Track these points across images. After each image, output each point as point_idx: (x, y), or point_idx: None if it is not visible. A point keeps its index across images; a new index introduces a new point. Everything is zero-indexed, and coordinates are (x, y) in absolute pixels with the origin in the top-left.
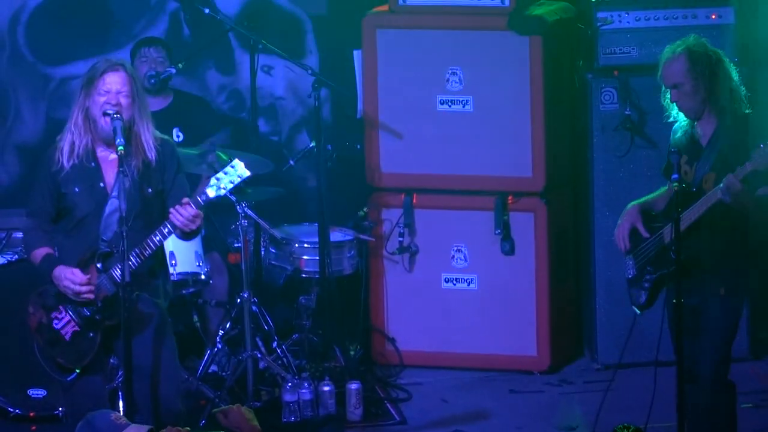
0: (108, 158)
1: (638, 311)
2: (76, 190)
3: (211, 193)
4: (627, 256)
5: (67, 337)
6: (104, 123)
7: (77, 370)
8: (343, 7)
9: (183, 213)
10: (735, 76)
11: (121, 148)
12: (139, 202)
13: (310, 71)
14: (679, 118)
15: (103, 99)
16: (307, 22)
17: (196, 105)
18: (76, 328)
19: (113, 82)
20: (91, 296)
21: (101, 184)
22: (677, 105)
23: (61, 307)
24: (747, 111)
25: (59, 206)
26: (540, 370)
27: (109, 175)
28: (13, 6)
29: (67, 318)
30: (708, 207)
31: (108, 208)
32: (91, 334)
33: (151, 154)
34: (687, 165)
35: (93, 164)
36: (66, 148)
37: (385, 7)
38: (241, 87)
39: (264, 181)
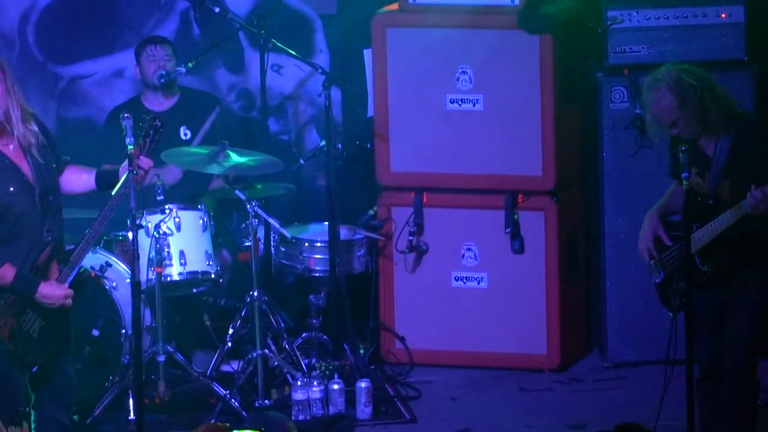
0: (11, 149)
1: (671, 314)
2: (12, 189)
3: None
4: (651, 262)
5: (35, 335)
6: None
7: (39, 363)
8: (353, 6)
9: (145, 162)
10: (719, 89)
11: (131, 147)
12: (52, 181)
13: (320, 70)
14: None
15: None
16: (317, 21)
17: (204, 102)
18: (42, 322)
19: None
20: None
21: (25, 177)
22: (680, 135)
23: (28, 309)
24: (740, 111)
25: None
26: (550, 368)
27: (24, 165)
28: (22, 5)
29: (34, 317)
30: (732, 222)
31: (37, 200)
32: (58, 327)
33: (37, 130)
34: (698, 177)
35: (7, 161)
36: None
37: (395, 6)
38: (251, 86)
39: (274, 179)
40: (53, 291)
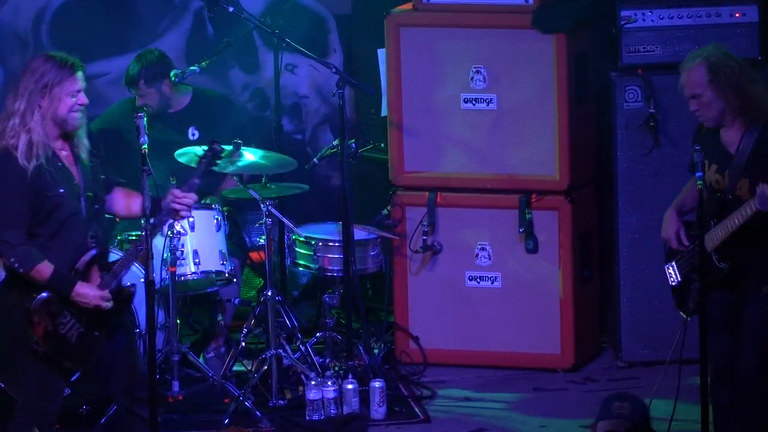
0: (64, 155)
1: (686, 316)
2: (61, 191)
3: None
4: (668, 264)
5: (73, 340)
6: (72, 120)
7: (80, 371)
8: (367, 6)
9: (186, 201)
10: (756, 87)
11: (145, 146)
12: (99, 189)
13: (334, 70)
14: None
15: (73, 100)
16: (332, 20)
17: (216, 102)
18: (81, 329)
19: (79, 81)
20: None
21: (75, 182)
22: (696, 114)
23: (65, 312)
24: None
25: (38, 210)
26: (564, 368)
27: (74, 170)
28: (36, 5)
29: (72, 321)
30: (746, 219)
31: (83, 205)
32: (97, 333)
33: (89, 145)
34: (718, 174)
35: (60, 164)
36: (22, 148)
37: (409, 6)
38: (264, 86)
39: (288, 179)
40: (89, 290)
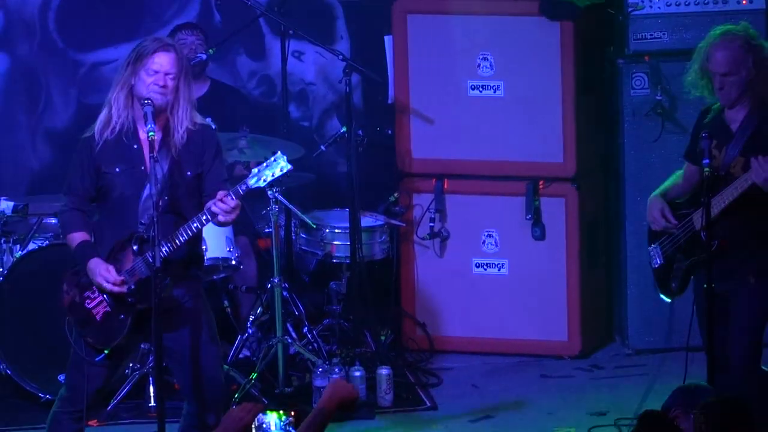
0: (146, 137)
1: (667, 299)
2: (117, 170)
3: (251, 183)
4: (651, 246)
5: (98, 318)
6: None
7: (106, 351)
8: None
9: (222, 205)
10: None
11: (152, 134)
12: (181, 186)
13: (341, 57)
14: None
15: (151, 79)
16: (338, 7)
17: (230, 96)
18: (108, 309)
19: (162, 62)
20: (125, 290)
21: (142, 167)
22: (719, 92)
23: (95, 287)
24: None
25: (98, 185)
26: (571, 355)
27: (148, 156)
28: None
29: (100, 298)
30: (741, 192)
31: (146, 191)
32: (122, 316)
33: (192, 137)
34: (716, 149)
35: (136, 146)
36: (101, 122)
37: None
38: (271, 72)
39: (295, 166)
40: (97, 268)
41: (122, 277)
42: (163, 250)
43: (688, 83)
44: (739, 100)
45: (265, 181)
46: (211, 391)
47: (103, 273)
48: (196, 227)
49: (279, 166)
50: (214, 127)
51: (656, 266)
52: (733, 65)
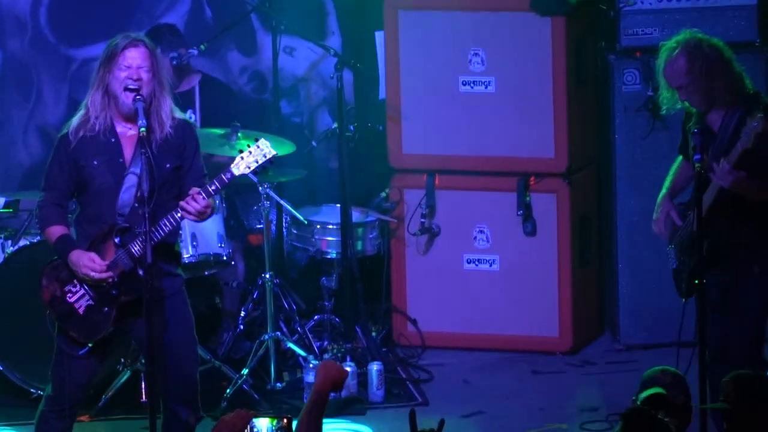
0: (127, 134)
1: (683, 299)
2: (95, 163)
3: (235, 171)
4: (669, 247)
5: (81, 311)
6: (125, 98)
7: (90, 345)
8: None
9: (194, 204)
10: (735, 64)
11: (143, 129)
12: (158, 178)
13: (332, 52)
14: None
15: (124, 74)
16: (330, 2)
17: (220, 90)
18: (90, 302)
19: (134, 57)
20: (110, 279)
21: (120, 159)
22: (688, 102)
23: (75, 281)
24: (752, 91)
25: (76, 180)
26: (562, 350)
27: (128, 150)
28: None
29: (82, 292)
30: (716, 194)
31: (125, 183)
32: (106, 309)
33: (170, 130)
34: (704, 152)
35: (113, 140)
36: (75, 122)
37: None
38: (263, 68)
39: (286, 162)
40: (80, 259)
41: (106, 262)
42: (139, 246)
43: (663, 100)
44: (711, 102)
45: (248, 168)
46: (184, 387)
47: (87, 263)
48: (172, 224)
49: (262, 152)
50: (192, 119)
51: (673, 267)
52: (681, 77)
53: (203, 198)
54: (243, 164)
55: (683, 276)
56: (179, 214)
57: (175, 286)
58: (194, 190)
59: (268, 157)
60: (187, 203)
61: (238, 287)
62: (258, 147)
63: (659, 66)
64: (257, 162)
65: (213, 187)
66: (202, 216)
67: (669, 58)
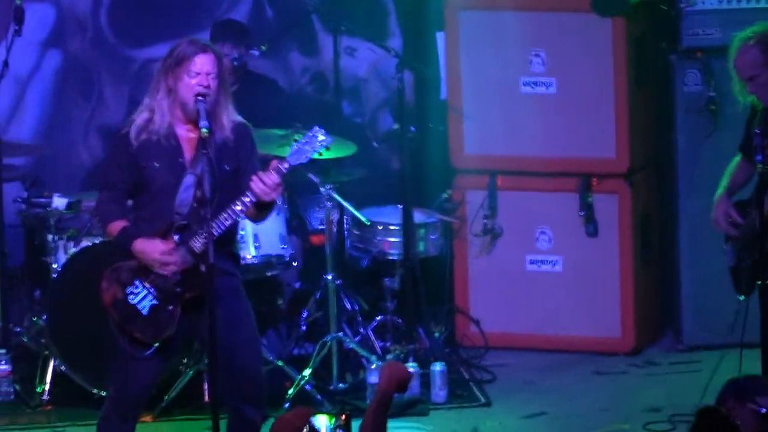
0: (187, 137)
1: (740, 297)
2: (156, 165)
3: (292, 160)
4: (726, 245)
5: (144, 312)
6: (194, 104)
7: (155, 345)
8: None
9: (265, 180)
10: None
11: (205, 130)
12: (217, 180)
13: (393, 53)
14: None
15: (194, 81)
16: (390, 3)
17: (263, 86)
18: (155, 301)
19: (204, 63)
20: (176, 266)
21: (180, 159)
22: (756, 95)
23: (136, 282)
24: None
25: (136, 180)
26: (624, 351)
27: (188, 151)
28: None
29: (144, 292)
30: None
31: (184, 183)
32: (171, 307)
33: (229, 134)
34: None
35: (173, 142)
36: (139, 123)
37: None
38: (324, 69)
39: (347, 163)
40: (146, 246)
41: (172, 245)
42: (200, 242)
43: (735, 92)
44: None
45: (307, 157)
46: (250, 386)
47: (153, 248)
48: (240, 210)
49: (318, 140)
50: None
51: (731, 265)
52: (753, 68)
53: (274, 174)
54: (298, 154)
55: (742, 273)
56: (239, 207)
57: (234, 284)
58: (259, 172)
59: (324, 145)
60: (256, 181)
61: (301, 288)
62: (313, 135)
63: (730, 55)
64: (313, 149)
65: (278, 169)
66: (270, 196)
67: (742, 47)
